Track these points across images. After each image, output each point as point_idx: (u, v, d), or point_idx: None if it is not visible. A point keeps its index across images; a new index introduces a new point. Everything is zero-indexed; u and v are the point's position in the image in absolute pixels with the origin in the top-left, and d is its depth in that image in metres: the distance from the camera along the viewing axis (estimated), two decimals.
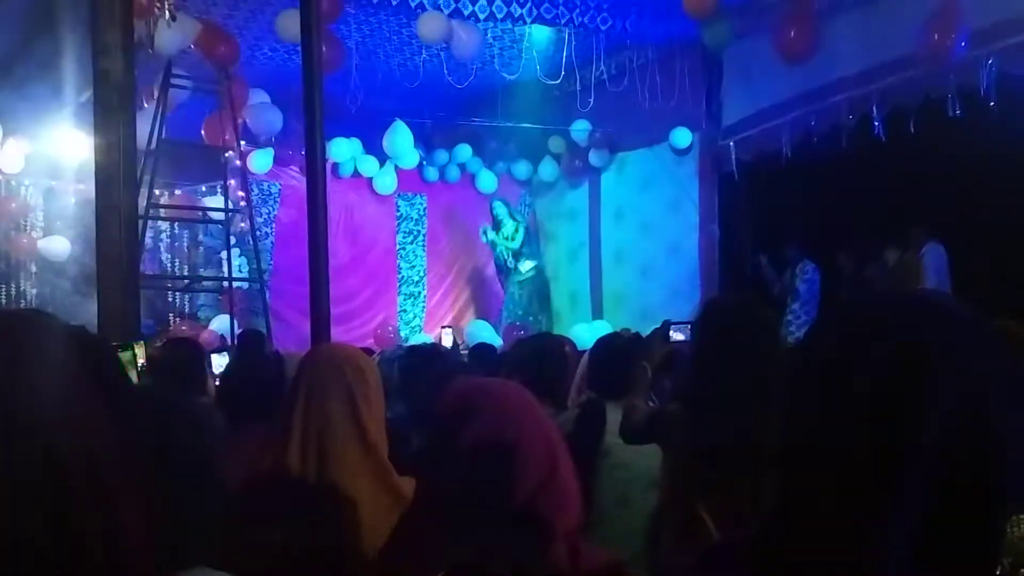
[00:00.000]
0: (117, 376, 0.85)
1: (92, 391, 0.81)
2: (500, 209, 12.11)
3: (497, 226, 12.11)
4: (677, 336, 3.07)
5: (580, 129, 11.34)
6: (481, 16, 8.62)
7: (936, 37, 6.94)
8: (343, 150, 11.60)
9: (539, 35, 9.69)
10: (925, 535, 0.85)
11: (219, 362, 5.09)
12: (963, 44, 6.92)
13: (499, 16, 8.69)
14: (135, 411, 0.85)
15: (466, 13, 8.52)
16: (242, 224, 9.75)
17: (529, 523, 1.55)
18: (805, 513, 0.91)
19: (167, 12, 6.89)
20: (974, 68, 7.36)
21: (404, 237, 12.92)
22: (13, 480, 0.74)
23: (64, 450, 0.76)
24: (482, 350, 5.14)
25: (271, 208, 11.53)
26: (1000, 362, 0.88)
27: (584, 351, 4.03)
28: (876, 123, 8.24)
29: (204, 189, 10.85)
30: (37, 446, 0.75)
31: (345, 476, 2.11)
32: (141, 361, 5.19)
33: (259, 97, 9.92)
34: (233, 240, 9.48)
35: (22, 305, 10.24)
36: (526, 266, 12.05)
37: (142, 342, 5.49)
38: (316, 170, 5.62)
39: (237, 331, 8.46)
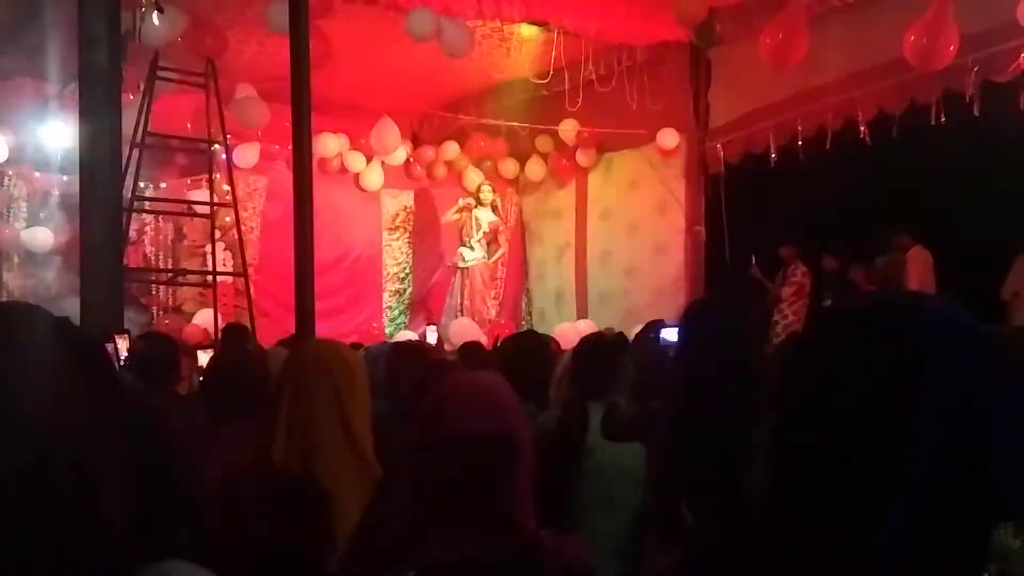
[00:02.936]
0: (103, 369, 0.85)
1: (77, 384, 0.80)
2: (486, 193, 12.06)
3: (476, 203, 12.04)
4: (668, 337, 3.07)
5: (568, 129, 11.34)
6: (470, 14, 8.61)
7: (922, 43, 6.99)
8: (330, 145, 11.57)
9: (528, 34, 9.68)
10: (914, 536, 0.85)
11: (204, 360, 5.07)
12: (949, 50, 6.97)
13: (488, 14, 8.69)
14: (119, 405, 0.85)
15: (455, 11, 8.51)
16: (227, 218, 9.71)
17: (501, 521, 1.55)
18: (794, 513, 0.91)
19: (154, 4, 6.86)
20: (959, 74, 7.42)
21: (390, 234, 12.89)
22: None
23: (48, 442, 0.76)
24: (471, 348, 5.12)
25: (256, 202, 11.48)
26: (992, 365, 0.89)
27: (568, 351, 4.03)
28: (862, 127, 8.30)
29: (189, 182, 10.78)
30: (21, 438, 0.75)
31: (330, 471, 2.11)
32: (124, 354, 5.18)
33: (246, 91, 9.87)
34: (218, 234, 9.43)
35: (3, 296, 10.17)
36: (472, 256, 11.94)
37: (125, 335, 5.49)
38: (303, 165, 5.63)
39: (221, 325, 8.42)
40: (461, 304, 11.77)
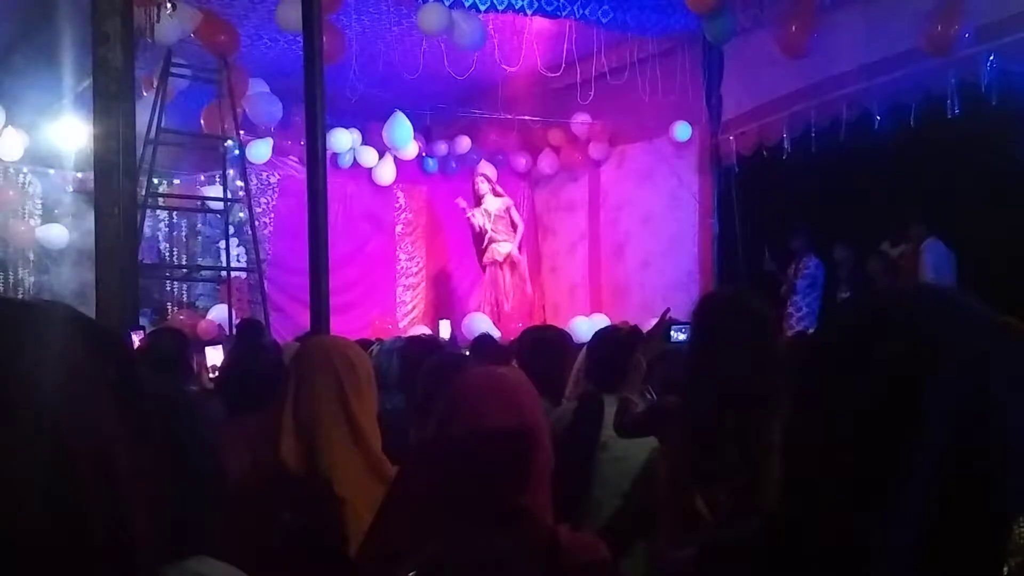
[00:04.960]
0: (127, 366, 0.85)
1: (101, 381, 0.81)
2: (483, 185, 12.07)
3: (479, 201, 12.06)
4: (679, 336, 3.06)
5: (580, 122, 11.32)
6: (482, 7, 8.60)
7: (937, 32, 6.93)
8: (342, 141, 11.58)
9: (540, 27, 9.67)
10: (930, 533, 0.84)
11: (213, 356, 5.09)
12: (965, 38, 6.91)
13: (500, 7, 8.67)
14: (144, 400, 0.85)
15: (467, 4, 8.50)
16: (241, 214, 9.74)
17: (518, 516, 1.55)
18: (808, 508, 0.91)
19: (167, 1, 6.88)
20: (975, 64, 7.36)
21: (403, 228, 12.91)
22: (20, 469, 0.74)
23: (72, 439, 0.76)
24: (483, 341, 5.13)
25: (270, 198, 11.51)
26: (1009, 357, 0.88)
27: (583, 344, 4.03)
28: (877, 118, 8.24)
29: (203, 179, 10.83)
30: (45, 435, 0.75)
31: (335, 468, 2.11)
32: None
33: (259, 87, 9.90)
34: (232, 230, 9.47)
35: (19, 293, 10.23)
36: (504, 248, 11.96)
37: (140, 331, 5.52)
38: (316, 160, 5.63)
39: (235, 321, 8.46)
40: (505, 297, 11.81)
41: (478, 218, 11.80)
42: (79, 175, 10.05)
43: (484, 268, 12.00)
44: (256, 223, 9.47)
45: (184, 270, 10.87)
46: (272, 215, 11.50)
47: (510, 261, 11.91)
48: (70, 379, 0.78)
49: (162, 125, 8.08)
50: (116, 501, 0.78)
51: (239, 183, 9.37)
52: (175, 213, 10.97)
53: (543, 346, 3.67)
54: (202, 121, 9.51)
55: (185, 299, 10.96)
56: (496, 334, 8.98)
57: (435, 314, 12.35)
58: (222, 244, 9.71)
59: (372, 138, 11.90)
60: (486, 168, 12.39)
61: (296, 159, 11.07)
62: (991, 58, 7.31)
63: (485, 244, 11.88)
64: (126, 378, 0.83)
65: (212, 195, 9.83)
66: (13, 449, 0.74)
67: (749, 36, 9.17)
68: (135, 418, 0.82)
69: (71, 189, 10.49)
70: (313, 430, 2.13)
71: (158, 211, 10.47)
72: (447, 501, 1.58)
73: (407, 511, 1.74)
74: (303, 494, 2.09)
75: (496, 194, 12.10)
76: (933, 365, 0.86)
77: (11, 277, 10.56)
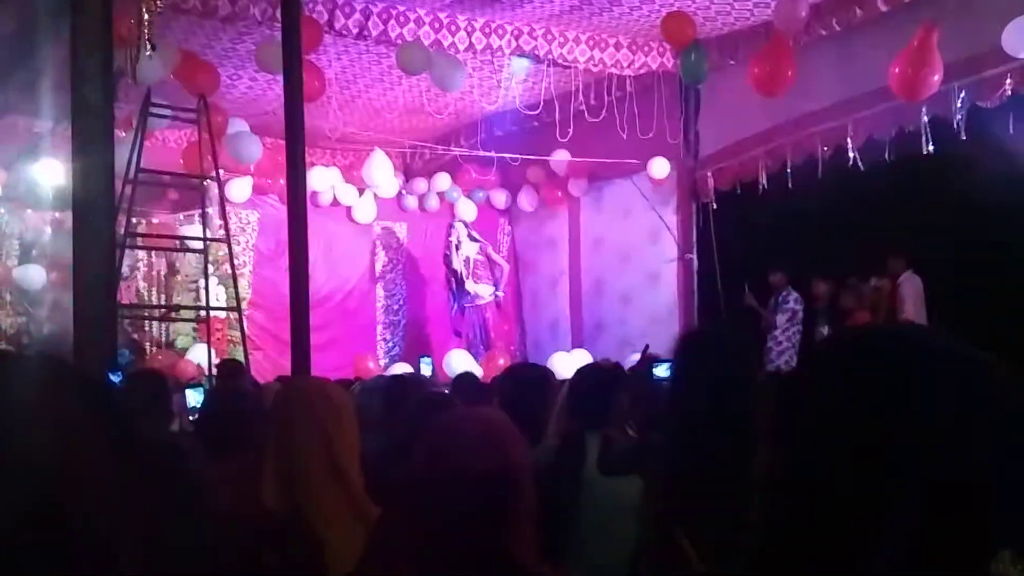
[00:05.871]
0: (116, 415, 0.85)
1: (91, 430, 0.80)
2: (461, 229, 12.18)
3: (456, 248, 12.16)
4: (660, 373, 3.08)
5: (559, 159, 11.40)
6: (461, 47, 8.67)
7: (907, 74, 7.05)
8: (322, 179, 11.60)
9: (518, 66, 9.76)
10: (912, 567, 0.85)
11: (192, 397, 5.06)
12: (936, 78, 7.03)
13: (478, 48, 8.75)
14: (135, 449, 0.84)
15: (446, 44, 8.57)
16: (220, 253, 9.71)
17: (502, 557, 1.54)
18: (788, 547, 0.91)
19: (147, 42, 6.89)
20: (946, 101, 7.49)
21: (383, 266, 12.90)
22: (10, 520, 0.74)
23: (61, 488, 0.76)
24: (465, 379, 5.12)
25: (249, 237, 11.49)
26: (986, 394, 0.89)
27: (564, 381, 4.02)
28: (851, 154, 8.36)
29: (182, 218, 10.80)
30: (33, 486, 0.75)
31: (318, 509, 2.10)
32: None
33: (238, 126, 9.91)
34: (211, 269, 9.43)
35: None
36: (486, 290, 12.09)
37: (119, 372, 5.47)
38: (296, 199, 5.64)
39: (215, 361, 8.40)
40: (487, 338, 11.91)
41: (456, 262, 12.00)
42: (57, 214, 10.00)
43: (464, 308, 12.09)
44: (236, 262, 9.43)
45: (163, 310, 10.80)
46: (251, 254, 11.47)
47: (492, 302, 12.05)
48: (56, 429, 0.78)
49: (141, 164, 8.06)
50: (107, 546, 0.77)
51: (219, 222, 9.34)
52: (154, 252, 10.91)
53: (525, 383, 3.67)
54: (181, 160, 9.50)
55: (164, 339, 10.88)
56: (478, 372, 8.96)
57: (416, 352, 12.32)
58: (201, 283, 9.67)
59: (352, 176, 11.94)
60: (461, 214, 12.54)
61: (276, 197, 11.07)
62: (962, 94, 7.44)
63: (458, 286, 12.04)
64: (113, 425, 0.83)
65: (191, 234, 9.80)
66: (3, 500, 0.74)
67: (725, 73, 9.29)
68: (125, 465, 0.81)
69: (49, 228, 10.43)
70: (295, 472, 2.12)
71: (137, 250, 10.41)
72: (430, 542, 1.57)
73: (390, 552, 1.73)
74: (285, 535, 2.07)
75: (472, 240, 12.24)
76: (913, 403, 0.87)
77: None
